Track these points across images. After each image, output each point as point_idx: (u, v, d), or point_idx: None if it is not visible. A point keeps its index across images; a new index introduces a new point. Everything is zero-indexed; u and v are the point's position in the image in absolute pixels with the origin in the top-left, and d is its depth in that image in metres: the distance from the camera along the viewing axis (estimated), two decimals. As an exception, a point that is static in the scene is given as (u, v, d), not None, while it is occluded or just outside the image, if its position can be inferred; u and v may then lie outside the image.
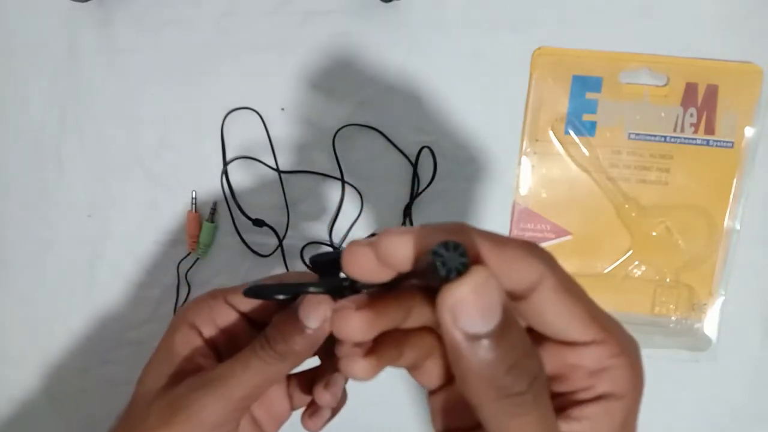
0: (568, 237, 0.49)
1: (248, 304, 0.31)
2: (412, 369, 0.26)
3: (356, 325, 0.21)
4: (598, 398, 0.22)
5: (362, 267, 0.21)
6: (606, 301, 0.47)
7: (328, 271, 0.27)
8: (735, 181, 0.48)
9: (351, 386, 0.53)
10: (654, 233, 0.49)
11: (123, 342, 0.52)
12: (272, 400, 0.32)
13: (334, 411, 0.32)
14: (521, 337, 0.20)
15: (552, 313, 0.22)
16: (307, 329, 0.27)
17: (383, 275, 0.21)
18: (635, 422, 0.23)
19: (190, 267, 0.51)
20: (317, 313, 0.27)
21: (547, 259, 0.21)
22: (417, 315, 0.23)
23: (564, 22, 0.48)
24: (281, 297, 0.27)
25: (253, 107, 0.50)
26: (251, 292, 0.27)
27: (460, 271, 0.19)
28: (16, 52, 0.50)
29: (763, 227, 0.48)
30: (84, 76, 0.50)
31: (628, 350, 0.22)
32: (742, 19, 0.47)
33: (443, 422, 0.26)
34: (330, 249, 0.32)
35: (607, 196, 0.49)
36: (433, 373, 0.26)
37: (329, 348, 0.29)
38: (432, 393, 0.26)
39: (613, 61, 0.48)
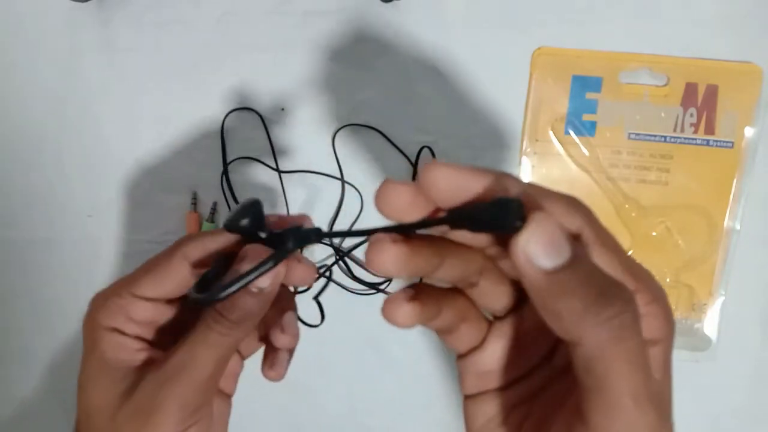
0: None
1: (159, 289, 0.29)
2: (446, 333, 0.27)
3: (392, 256, 0.22)
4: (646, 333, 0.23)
5: (397, 203, 0.22)
6: (606, 301, 0.45)
7: (250, 230, 0.26)
8: (735, 181, 0.48)
9: (355, 388, 0.53)
10: (654, 233, 0.49)
11: (123, 342, 0.52)
12: None
13: (291, 352, 0.32)
14: (597, 267, 0.21)
15: (596, 256, 0.22)
16: (260, 290, 0.26)
17: (413, 214, 0.22)
18: (671, 366, 0.24)
19: (190, 267, 0.51)
20: (269, 275, 0.26)
21: (586, 212, 0.22)
22: (449, 266, 0.24)
23: (564, 22, 0.48)
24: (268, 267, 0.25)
25: (253, 107, 0.50)
26: (220, 293, 0.25)
27: (521, 218, 0.20)
28: (17, 51, 0.50)
29: (763, 227, 0.48)
30: (84, 75, 0.50)
31: (659, 298, 0.23)
32: (742, 19, 0.47)
33: (473, 384, 0.27)
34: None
35: (607, 196, 0.49)
36: (466, 337, 0.27)
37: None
38: (461, 356, 0.27)
39: (613, 61, 0.48)
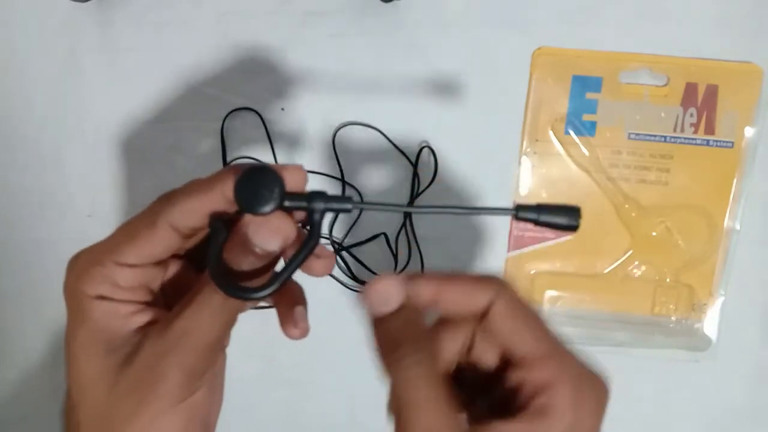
0: (568, 237, 0.49)
1: (144, 257, 0.28)
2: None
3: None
4: (539, 410, 0.25)
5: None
6: (606, 301, 0.47)
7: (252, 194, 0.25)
8: (735, 181, 0.48)
9: (355, 388, 0.53)
10: (654, 233, 0.49)
11: (123, 342, 0.52)
12: None
13: (305, 305, 0.31)
14: (403, 324, 0.26)
15: (506, 327, 0.26)
16: (268, 252, 0.26)
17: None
18: None
19: (190, 267, 0.51)
20: (278, 237, 0.26)
21: (497, 284, 0.26)
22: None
23: (564, 22, 0.48)
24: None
25: (253, 107, 0.50)
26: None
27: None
28: (17, 52, 0.50)
29: (763, 227, 0.48)
30: (84, 75, 0.50)
31: (572, 370, 0.25)
32: (742, 19, 0.47)
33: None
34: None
35: (607, 196, 0.49)
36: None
37: None
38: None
39: (613, 61, 0.48)
